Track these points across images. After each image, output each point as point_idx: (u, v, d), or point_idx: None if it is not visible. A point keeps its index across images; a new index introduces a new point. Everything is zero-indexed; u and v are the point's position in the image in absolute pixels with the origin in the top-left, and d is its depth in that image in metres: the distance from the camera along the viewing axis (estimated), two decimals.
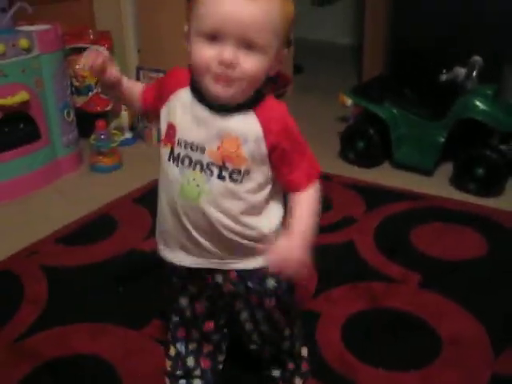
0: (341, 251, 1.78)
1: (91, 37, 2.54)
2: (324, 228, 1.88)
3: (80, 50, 2.47)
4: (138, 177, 2.29)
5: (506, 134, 2.13)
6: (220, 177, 0.95)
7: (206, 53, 0.87)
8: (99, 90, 2.55)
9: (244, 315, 1.14)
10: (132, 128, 2.73)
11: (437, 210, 2.02)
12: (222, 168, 0.94)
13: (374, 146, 2.37)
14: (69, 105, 2.38)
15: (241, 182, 0.95)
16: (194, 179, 0.96)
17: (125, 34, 2.76)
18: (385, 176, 2.32)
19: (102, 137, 2.39)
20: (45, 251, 1.81)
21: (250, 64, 0.87)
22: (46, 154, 2.30)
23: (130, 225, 1.96)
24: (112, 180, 2.36)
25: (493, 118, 2.11)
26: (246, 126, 0.94)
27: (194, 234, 1.01)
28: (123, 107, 2.66)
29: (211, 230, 0.99)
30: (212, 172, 0.95)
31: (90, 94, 2.56)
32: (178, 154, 0.96)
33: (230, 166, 0.94)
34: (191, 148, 0.95)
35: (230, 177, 0.95)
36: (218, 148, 0.94)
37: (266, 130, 0.94)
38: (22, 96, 2.10)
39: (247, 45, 0.86)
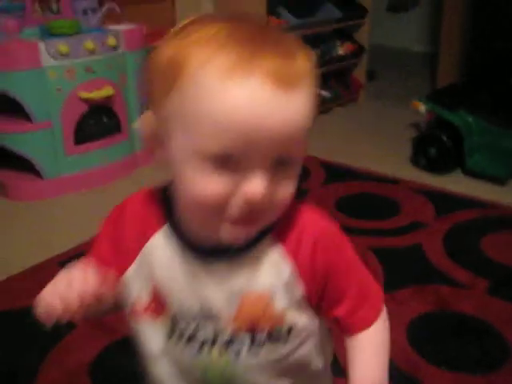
0: (408, 254, 1.79)
1: None
2: (391, 231, 1.90)
3: None
4: None
5: None
6: (251, 350, 0.64)
7: (217, 185, 0.53)
8: None
9: None
10: None
11: (509, 219, 1.99)
12: (253, 336, 0.63)
13: (446, 153, 2.35)
14: None
15: (286, 341, 0.64)
16: (209, 363, 0.65)
17: None
18: (456, 183, 2.29)
19: None
20: None
21: (285, 189, 0.56)
22: (125, 147, 2.42)
23: None
24: None
25: None
26: (268, 269, 0.61)
27: None
28: None
29: None
30: (241, 345, 0.63)
31: None
32: (182, 332, 0.64)
33: (262, 330, 0.63)
34: (202, 322, 0.63)
35: (269, 339, 0.63)
36: (239, 312, 0.62)
37: (298, 265, 0.61)
38: (107, 91, 2.23)
39: (279, 163, 0.54)
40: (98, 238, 0.69)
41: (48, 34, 2.16)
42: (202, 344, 0.63)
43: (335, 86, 3.24)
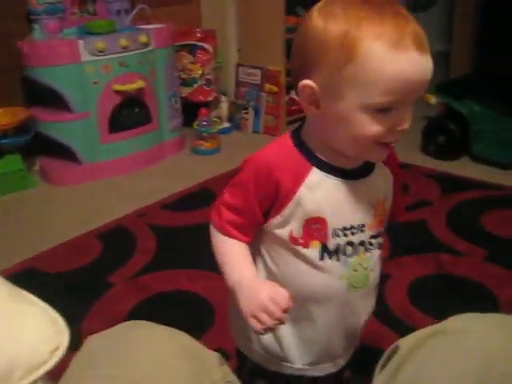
0: (414, 228, 1.95)
1: (198, 35, 2.85)
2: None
3: (188, 47, 2.81)
4: (234, 160, 2.53)
5: None
6: (380, 246, 0.85)
7: (375, 128, 0.70)
8: (203, 82, 2.85)
9: None
10: (230, 118, 3.02)
11: (509, 198, 2.14)
12: (377, 236, 0.83)
13: (454, 140, 2.50)
14: (176, 94, 2.71)
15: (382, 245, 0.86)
16: (359, 264, 0.82)
17: (228, 33, 3.06)
18: (463, 168, 2.44)
19: (204, 123, 2.68)
20: (152, 214, 2.12)
21: (411, 119, 0.73)
22: (154, 137, 2.62)
23: None
24: (211, 161, 2.64)
25: None
26: (382, 176, 0.83)
27: (361, 322, 0.90)
28: (223, 98, 2.96)
29: (366, 315, 0.91)
30: (373, 245, 0.83)
31: (195, 85, 2.88)
32: (337, 247, 0.80)
33: (380, 229, 0.84)
34: (352, 233, 0.80)
35: (382, 241, 0.85)
36: (374, 217, 0.81)
37: (392, 170, 0.85)
38: (138, 84, 2.44)
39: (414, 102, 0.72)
40: (242, 198, 0.79)
41: (86, 32, 2.38)
42: (353, 251, 0.81)
43: None
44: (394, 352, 0.71)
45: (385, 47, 0.66)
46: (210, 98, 2.88)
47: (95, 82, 2.33)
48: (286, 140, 0.80)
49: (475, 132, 2.46)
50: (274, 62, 2.90)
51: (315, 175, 0.77)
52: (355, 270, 0.81)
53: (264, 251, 0.84)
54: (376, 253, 0.84)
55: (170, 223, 2.04)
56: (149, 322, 0.75)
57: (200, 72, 2.83)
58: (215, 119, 2.88)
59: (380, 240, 0.84)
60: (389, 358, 0.71)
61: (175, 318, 1.47)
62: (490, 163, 2.44)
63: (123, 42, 2.36)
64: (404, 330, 1.41)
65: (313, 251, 0.79)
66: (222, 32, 3.01)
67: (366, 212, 0.80)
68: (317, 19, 0.71)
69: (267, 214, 0.80)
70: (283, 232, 0.79)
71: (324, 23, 0.69)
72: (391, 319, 1.47)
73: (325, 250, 0.79)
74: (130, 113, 2.50)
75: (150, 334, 0.73)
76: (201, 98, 2.87)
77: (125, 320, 1.48)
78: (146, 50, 2.48)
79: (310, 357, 0.88)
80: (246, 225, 0.81)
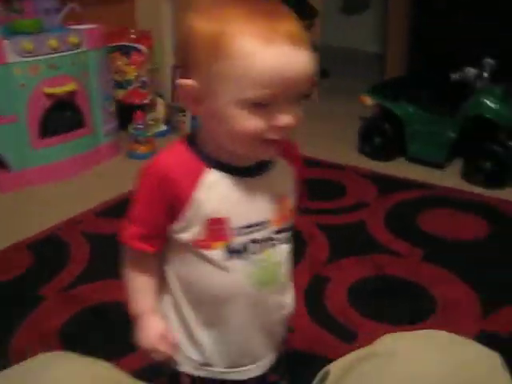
0: (352, 230, 1.96)
1: (133, 36, 2.78)
2: (338, 210, 2.08)
3: (122, 48, 2.73)
4: None
5: None
6: (287, 241, 0.86)
7: (253, 123, 0.71)
8: (138, 84, 2.78)
9: None
10: (167, 121, 2.96)
11: (445, 198, 2.18)
12: (282, 231, 0.84)
13: (390, 141, 2.55)
14: (110, 97, 2.62)
15: (290, 240, 0.87)
16: (266, 260, 0.82)
17: (164, 34, 3.00)
18: (399, 169, 2.48)
19: (140, 126, 2.61)
20: (86, 222, 2.04)
21: (298, 116, 0.74)
22: (88, 141, 2.53)
23: None
24: None
25: (501, 115, 2.27)
26: (283, 173, 0.85)
27: (278, 318, 0.89)
28: (159, 101, 2.89)
29: (282, 312, 0.90)
30: (279, 240, 0.84)
31: (130, 88, 2.80)
32: (242, 245, 0.79)
33: (285, 224, 0.85)
34: (256, 230, 0.80)
35: (289, 236, 0.86)
36: (276, 212, 0.82)
37: (293, 164, 0.87)
38: (70, 86, 2.34)
39: (295, 98, 0.72)
40: (142, 209, 0.81)
41: (12, 32, 2.26)
42: (258, 248, 0.80)
43: None
44: (325, 377, 0.70)
45: (254, 42, 0.67)
46: (145, 101, 2.81)
47: (23, 85, 2.23)
48: (180, 144, 0.80)
49: (410, 133, 2.51)
50: None
51: (211, 175, 0.77)
52: (263, 267, 0.81)
53: (171, 256, 0.84)
54: (283, 247, 0.85)
55: (106, 231, 1.97)
56: (63, 354, 0.71)
57: (135, 74, 2.76)
58: (151, 122, 2.81)
59: (286, 235, 0.85)
60: (321, 382, 0.71)
61: (110, 333, 1.43)
62: (425, 163, 2.49)
63: (53, 42, 2.27)
64: (344, 334, 1.41)
65: (217, 252, 0.79)
66: (157, 33, 2.94)
67: (268, 208, 0.81)
68: (191, 18, 0.73)
69: (171, 221, 0.79)
70: (186, 236, 0.79)
71: (197, 22, 0.72)
72: (331, 323, 1.46)
73: (229, 249, 0.79)
74: (62, 117, 2.40)
75: (58, 373, 0.68)
76: (136, 100, 2.79)
77: (57, 336, 1.44)
78: (77, 51, 2.39)
79: (230, 358, 0.87)
80: (152, 234, 0.81)
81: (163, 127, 2.93)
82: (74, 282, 1.66)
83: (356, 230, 1.95)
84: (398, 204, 2.13)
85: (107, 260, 1.77)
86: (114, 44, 2.73)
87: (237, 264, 0.80)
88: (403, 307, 1.54)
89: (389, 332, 0.76)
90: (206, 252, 0.79)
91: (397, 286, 1.63)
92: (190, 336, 0.85)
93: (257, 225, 0.80)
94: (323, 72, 3.82)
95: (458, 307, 1.53)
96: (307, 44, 0.72)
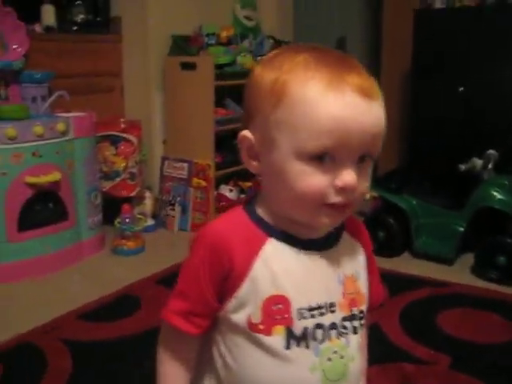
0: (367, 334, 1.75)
1: (122, 126, 2.67)
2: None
3: (110, 138, 2.61)
4: (160, 261, 2.31)
5: None
6: (355, 331, 0.71)
7: (317, 181, 0.62)
8: (126, 176, 2.64)
9: None
10: (154, 215, 2.79)
11: (460, 296, 2.02)
12: (352, 318, 0.71)
13: (394, 236, 2.40)
14: (96, 188, 2.46)
15: (362, 326, 0.73)
16: (334, 351, 0.69)
17: (153, 124, 2.90)
18: (405, 265, 2.33)
19: (127, 220, 2.44)
20: (66, 326, 1.80)
21: (366, 180, 0.66)
22: (71, 235, 2.34)
23: (153, 304, 1.96)
24: (134, 263, 2.38)
25: (510, 206, 2.16)
26: (351, 249, 0.73)
27: None
28: (147, 194, 2.74)
29: None
30: (347, 328, 0.70)
31: (118, 179, 2.65)
32: (305, 331, 0.67)
33: (356, 310, 0.71)
34: (320, 313, 0.68)
35: (361, 324, 0.72)
36: (343, 295, 0.70)
37: (363, 245, 0.76)
38: (54, 176, 2.19)
39: (361, 160, 0.64)
40: (190, 279, 0.69)
41: None
42: (324, 335, 0.68)
43: None
44: None
45: (315, 89, 0.61)
46: (133, 193, 2.66)
47: (4, 173, 2.06)
48: (237, 210, 0.72)
49: (415, 227, 2.38)
50: (202, 155, 2.76)
51: (271, 246, 0.68)
52: (329, 360, 0.68)
53: (219, 340, 0.71)
54: (353, 338, 0.70)
55: (88, 337, 1.73)
56: None
57: (123, 165, 2.62)
58: (139, 216, 2.64)
59: (356, 323, 0.71)
60: None
61: None
62: (433, 259, 2.34)
63: (38, 129, 2.13)
64: None
65: (277, 338, 0.66)
66: (146, 123, 2.85)
67: (334, 289, 0.70)
68: (257, 68, 0.69)
69: (222, 299, 0.69)
70: (240, 317, 0.67)
71: (261, 71, 0.67)
72: None
73: (291, 335, 0.67)
74: (43, 208, 2.23)
75: None
76: (123, 192, 2.63)
77: None
78: (63, 139, 2.25)
79: None
80: (197, 312, 0.69)
81: (151, 222, 2.76)
82: None
83: (371, 335, 1.75)
84: (412, 303, 1.96)
85: (91, 371, 1.54)
86: (103, 133, 2.60)
87: (299, 354, 0.67)
88: None
89: None
90: (264, 338, 0.67)
91: None
92: None
93: (322, 307, 0.68)
94: None
95: None
96: (380, 98, 0.64)
